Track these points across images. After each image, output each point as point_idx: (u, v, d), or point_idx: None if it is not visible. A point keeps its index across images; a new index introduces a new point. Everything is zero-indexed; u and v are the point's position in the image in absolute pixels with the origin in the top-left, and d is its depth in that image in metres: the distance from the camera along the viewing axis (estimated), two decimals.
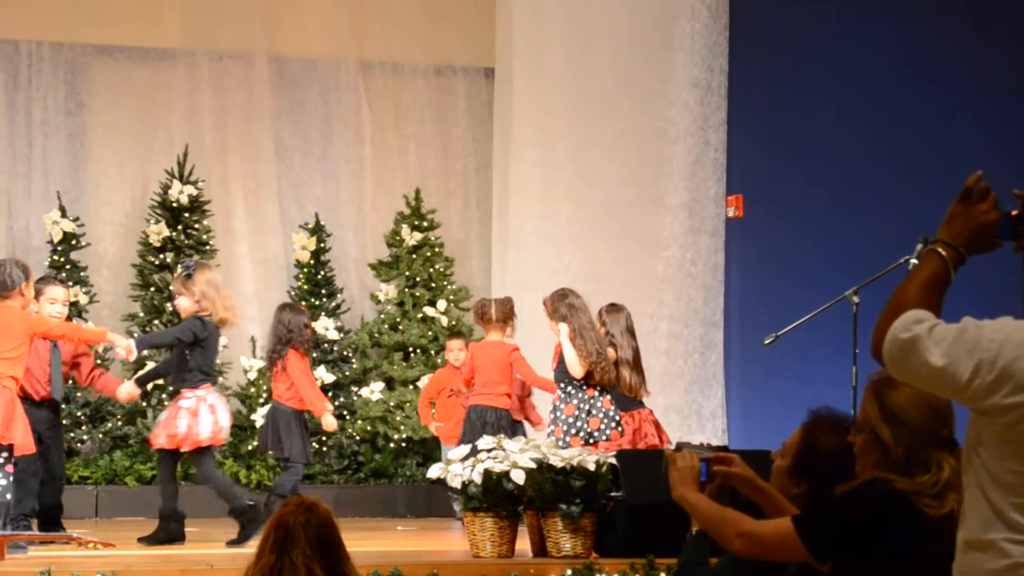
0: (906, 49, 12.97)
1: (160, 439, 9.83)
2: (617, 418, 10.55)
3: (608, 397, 10.55)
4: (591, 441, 10.40)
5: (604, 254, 13.68)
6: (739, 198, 13.91)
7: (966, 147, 11.79)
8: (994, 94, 12.50)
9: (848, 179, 12.84)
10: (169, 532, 9.71)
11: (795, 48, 13.43)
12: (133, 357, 10.03)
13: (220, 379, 13.76)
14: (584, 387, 10.55)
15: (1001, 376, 3.35)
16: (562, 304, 10.66)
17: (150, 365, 12.15)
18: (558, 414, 10.56)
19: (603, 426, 10.47)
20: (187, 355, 9.84)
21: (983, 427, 3.43)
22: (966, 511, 3.49)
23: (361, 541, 10.22)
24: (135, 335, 10.36)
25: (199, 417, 9.71)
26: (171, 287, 10.38)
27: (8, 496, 9.02)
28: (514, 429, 11.46)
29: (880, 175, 12.55)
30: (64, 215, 13.77)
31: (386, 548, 9.91)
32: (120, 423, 13.39)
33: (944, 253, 3.57)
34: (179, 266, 10.21)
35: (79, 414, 13.40)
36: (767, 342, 10.74)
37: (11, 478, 9.08)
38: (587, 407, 10.56)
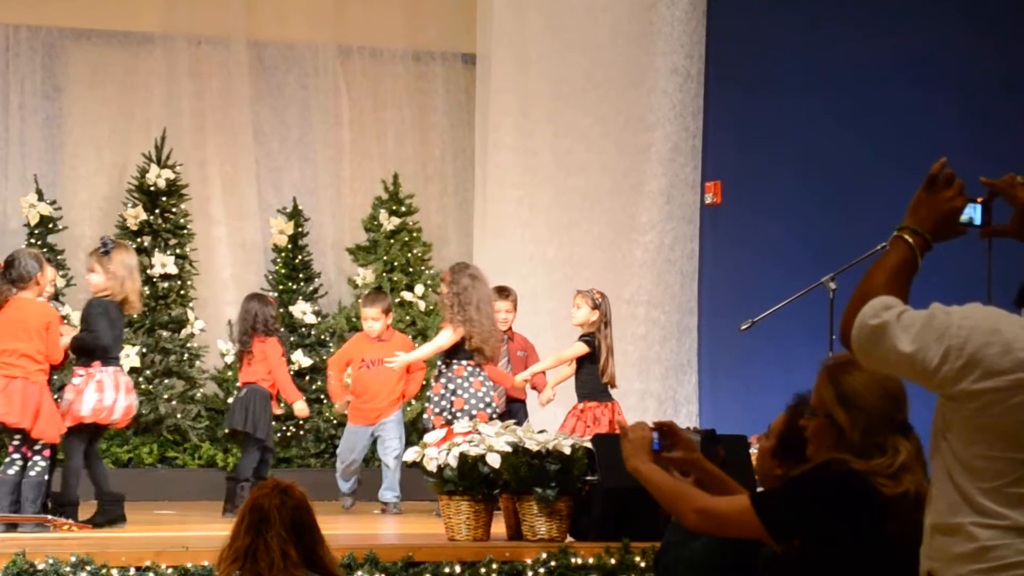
0: (883, 39, 12.99)
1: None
2: (487, 399, 10.67)
3: (481, 378, 10.66)
4: (449, 422, 10.59)
5: (582, 240, 13.70)
6: (717, 184, 13.94)
7: (942, 136, 11.82)
8: (969, 85, 12.53)
9: (825, 166, 12.87)
10: (109, 514, 9.68)
11: (773, 36, 13.45)
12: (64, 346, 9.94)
13: (197, 363, 13.78)
14: (454, 366, 10.69)
15: (970, 362, 3.37)
16: (464, 275, 10.83)
17: None
18: (429, 393, 10.87)
19: (467, 407, 10.62)
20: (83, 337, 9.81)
21: (951, 413, 3.44)
22: (934, 496, 3.50)
23: (337, 524, 10.24)
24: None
25: (83, 395, 9.65)
26: (87, 262, 10.35)
27: (45, 477, 9.24)
28: (511, 409, 11.50)
29: (857, 163, 12.58)
30: (41, 198, 13.75)
31: (362, 531, 9.93)
32: None
33: (911, 240, 3.59)
34: (99, 241, 10.15)
35: (55, 397, 13.36)
36: (743, 328, 10.79)
37: (48, 461, 9.31)
38: (453, 387, 10.70)
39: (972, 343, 3.38)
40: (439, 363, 10.92)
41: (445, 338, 10.86)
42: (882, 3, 12.86)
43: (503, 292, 11.75)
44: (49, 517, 9.20)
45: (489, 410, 10.70)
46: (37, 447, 9.37)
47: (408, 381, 12.06)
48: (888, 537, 4.05)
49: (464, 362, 10.79)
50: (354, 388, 11.96)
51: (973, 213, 3.65)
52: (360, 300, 12.75)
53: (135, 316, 13.41)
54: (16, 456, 9.34)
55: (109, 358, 9.83)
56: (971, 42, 12.40)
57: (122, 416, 9.86)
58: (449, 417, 10.65)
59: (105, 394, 9.69)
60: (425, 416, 10.95)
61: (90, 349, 9.74)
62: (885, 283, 3.53)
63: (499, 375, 11.39)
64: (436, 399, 10.79)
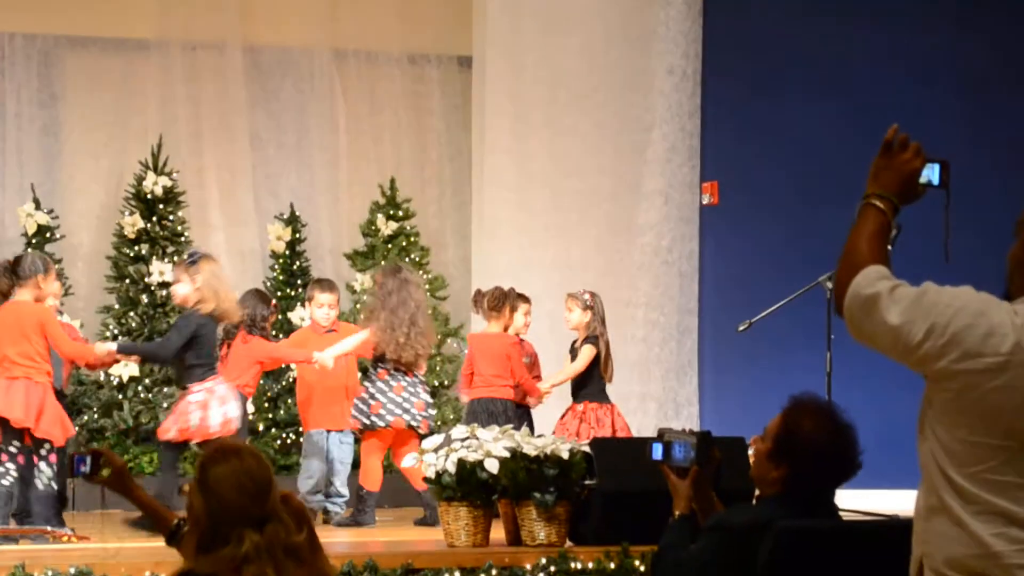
0: (881, 37, 13.01)
1: (171, 432, 9.83)
2: (407, 406, 10.69)
3: (404, 383, 10.68)
4: (370, 426, 10.63)
5: (580, 242, 13.68)
6: (714, 185, 13.91)
7: (940, 134, 11.79)
8: (967, 83, 12.55)
9: (822, 165, 12.87)
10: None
11: (770, 34, 13.45)
12: (111, 360, 10.13)
13: None
14: (378, 369, 10.77)
15: (951, 341, 3.41)
16: (391, 278, 10.81)
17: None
18: (356, 400, 10.86)
19: (383, 411, 10.61)
20: (186, 355, 9.84)
21: (933, 395, 3.49)
22: (922, 480, 3.53)
23: (335, 532, 10.23)
24: (119, 340, 10.45)
25: (209, 410, 9.73)
26: (172, 273, 10.39)
27: (53, 486, 9.21)
28: (520, 415, 11.35)
29: (856, 161, 12.52)
30: (38, 207, 13.72)
31: (360, 539, 9.91)
32: (96, 415, 13.35)
33: (881, 205, 3.65)
34: (185, 253, 10.22)
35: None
36: (741, 329, 10.79)
37: (55, 468, 9.30)
38: (373, 390, 10.73)
39: (956, 323, 3.42)
40: (368, 366, 10.92)
41: (358, 338, 10.84)
42: (882, 2, 12.87)
43: (522, 298, 11.74)
44: (48, 528, 9.18)
45: (408, 416, 10.68)
46: (43, 452, 9.35)
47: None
48: None
49: (388, 365, 10.79)
50: (304, 393, 11.53)
51: (931, 174, 3.74)
52: (310, 285, 12.17)
53: (133, 325, 13.42)
54: (10, 465, 9.30)
55: (215, 370, 9.94)
56: (969, 37, 12.41)
57: (237, 424, 10.02)
58: (366, 421, 10.70)
59: (228, 407, 9.80)
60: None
61: (154, 358, 9.81)
62: (869, 250, 3.59)
63: (530, 387, 11.29)
64: (358, 403, 10.82)
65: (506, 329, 11.32)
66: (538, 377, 11.67)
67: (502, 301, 11.28)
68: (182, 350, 9.80)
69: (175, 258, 13.74)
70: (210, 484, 4.13)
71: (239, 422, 10.00)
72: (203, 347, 9.86)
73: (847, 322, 3.54)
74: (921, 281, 3.52)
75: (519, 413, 11.33)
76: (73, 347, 9.96)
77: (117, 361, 10.38)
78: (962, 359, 3.40)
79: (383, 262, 14.16)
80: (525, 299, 11.74)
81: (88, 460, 4.97)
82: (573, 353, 11.40)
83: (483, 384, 11.22)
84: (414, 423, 10.69)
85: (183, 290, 9.92)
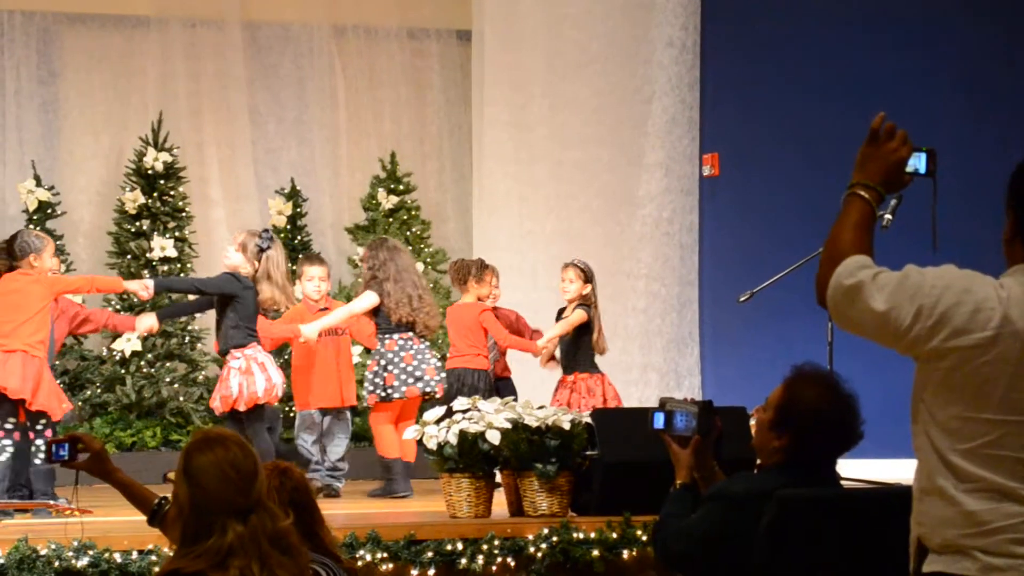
0: (882, 7, 12.98)
1: (215, 402, 10.01)
2: (418, 374, 10.71)
3: (412, 352, 10.72)
4: (386, 399, 10.66)
5: (580, 214, 13.68)
6: (714, 156, 13.91)
7: (942, 108, 11.83)
8: (968, 59, 12.54)
9: (822, 136, 12.85)
10: None
11: (768, 6, 13.43)
12: (148, 295, 10.26)
13: (199, 345, 13.80)
14: (386, 341, 10.78)
15: (940, 321, 3.42)
16: (381, 250, 10.81)
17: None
18: (366, 372, 10.92)
19: (397, 382, 10.62)
20: (227, 315, 9.97)
21: (926, 375, 3.49)
22: (917, 461, 3.54)
23: (338, 504, 10.26)
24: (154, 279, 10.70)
25: (253, 375, 9.84)
26: (237, 239, 10.36)
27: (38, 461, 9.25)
28: (499, 387, 11.34)
29: (855, 133, 12.54)
30: (39, 184, 13.75)
31: (363, 510, 9.94)
32: (99, 390, 13.38)
33: (866, 195, 3.66)
34: (261, 234, 10.31)
35: (58, 382, 13.37)
36: (742, 299, 10.80)
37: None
38: (384, 362, 10.73)
39: (943, 302, 3.43)
40: (377, 340, 10.93)
41: (362, 301, 10.84)
42: None
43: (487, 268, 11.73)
44: (52, 501, 9.21)
45: (420, 384, 10.69)
46: (39, 427, 9.35)
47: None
48: None
49: (395, 336, 10.79)
50: (304, 370, 11.34)
51: (918, 163, 3.75)
52: (300, 261, 12.12)
53: (135, 300, 13.44)
54: (7, 441, 9.31)
55: (255, 337, 10.05)
56: (975, 15, 12.42)
57: (281, 391, 10.13)
58: (382, 394, 10.70)
59: (269, 372, 9.94)
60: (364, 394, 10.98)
61: (197, 290, 10.12)
62: (853, 241, 3.60)
63: (516, 343, 11.30)
64: (371, 376, 10.81)
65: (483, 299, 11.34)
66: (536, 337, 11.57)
67: (463, 272, 11.31)
68: (221, 305, 9.94)
69: (176, 233, 13.79)
70: (193, 473, 4.11)
71: (281, 389, 10.10)
72: (243, 310, 9.96)
73: (831, 311, 3.56)
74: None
75: (499, 385, 11.36)
76: (99, 281, 10.20)
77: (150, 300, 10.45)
78: (952, 337, 3.42)
79: (383, 235, 14.19)
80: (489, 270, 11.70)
81: (66, 447, 5.01)
82: (560, 318, 11.35)
83: (456, 355, 11.26)
84: (428, 389, 10.70)
85: (236, 259, 10.09)
